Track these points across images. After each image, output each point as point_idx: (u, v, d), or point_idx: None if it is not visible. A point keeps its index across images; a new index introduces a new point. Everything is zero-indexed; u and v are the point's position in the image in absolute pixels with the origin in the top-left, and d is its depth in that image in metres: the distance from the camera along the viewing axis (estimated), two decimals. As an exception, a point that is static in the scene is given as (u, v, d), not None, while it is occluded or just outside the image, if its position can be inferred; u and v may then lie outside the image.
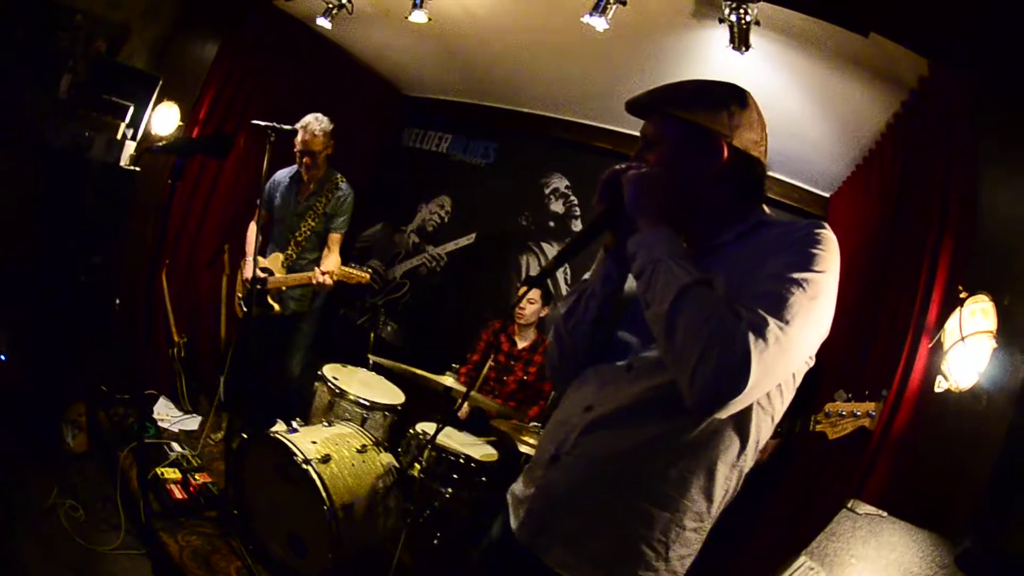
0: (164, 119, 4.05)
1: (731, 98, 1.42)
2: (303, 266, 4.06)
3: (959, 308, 1.87)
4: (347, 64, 5.35)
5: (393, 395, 3.96)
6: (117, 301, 3.70)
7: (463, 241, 5.54)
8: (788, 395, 1.37)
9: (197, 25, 4.35)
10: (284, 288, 4.02)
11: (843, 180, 3.87)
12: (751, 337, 1.12)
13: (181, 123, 4.15)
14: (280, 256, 4.07)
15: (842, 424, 2.38)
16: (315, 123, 3.93)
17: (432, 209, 5.79)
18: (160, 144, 3.63)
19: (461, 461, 3.36)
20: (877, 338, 2.61)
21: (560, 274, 4.97)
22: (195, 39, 4.37)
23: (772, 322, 1.14)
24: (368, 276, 3.82)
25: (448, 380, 3.22)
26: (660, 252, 1.28)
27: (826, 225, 1.31)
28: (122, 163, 3.70)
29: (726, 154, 1.38)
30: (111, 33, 3.91)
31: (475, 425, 4.04)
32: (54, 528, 2.80)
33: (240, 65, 4.57)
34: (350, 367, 4.13)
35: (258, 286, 3.71)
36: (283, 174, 4.22)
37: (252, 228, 4.16)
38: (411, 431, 3.59)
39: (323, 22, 4.01)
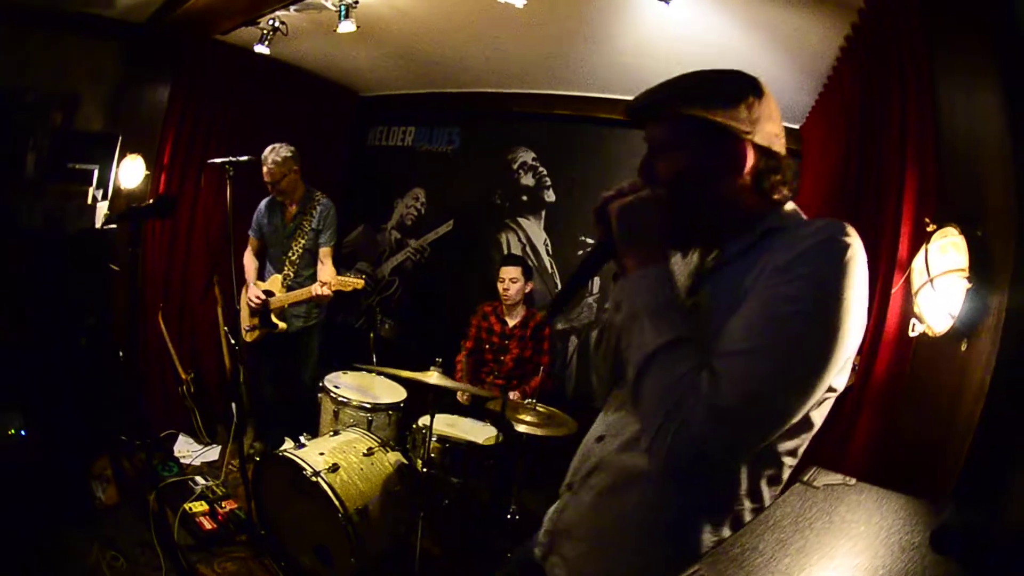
0: (130, 173, 4.17)
1: (747, 87, 1.24)
2: (301, 283, 4.29)
3: (925, 245, 1.68)
4: (299, 78, 5.41)
5: (395, 393, 4.08)
6: (120, 353, 3.84)
7: (442, 229, 5.65)
8: (805, 433, 1.22)
9: (144, 75, 4.45)
10: (287, 306, 4.26)
11: (810, 109, 3.80)
12: (707, 418, 1.04)
13: (148, 171, 4.27)
14: (279, 277, 4.30)
15: None
16: (271, 155, 4.10)
17: (408, 203, 5.89)
18: (114, 216, 3.80)
19: (466, 449, 3.52)
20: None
21: (541, 246, 5.10)
22: (144, 88, 4.47)
23: (737, 393, 1.05)
24: (363, 282, 4.00)
25: (433, 376, 3.31)
26: (640, 304, 1.18)
27: (847, 229, 1.11)
28: (97, 225, 3.85)
29: (751, 156, 1.22)
30: (63, 103, 4.03)
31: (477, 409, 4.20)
32: (101, 582, 2.98)
33: (194, 103, 4.66)
34: (350, 373, 4.29)
35: (259, 306, 4.17)
36: (266, 202, 4.43)
37: (248, 255, 4.46)
38: (414, 426, 3.74)
39: (261, 49, 4.08)
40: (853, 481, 1.28)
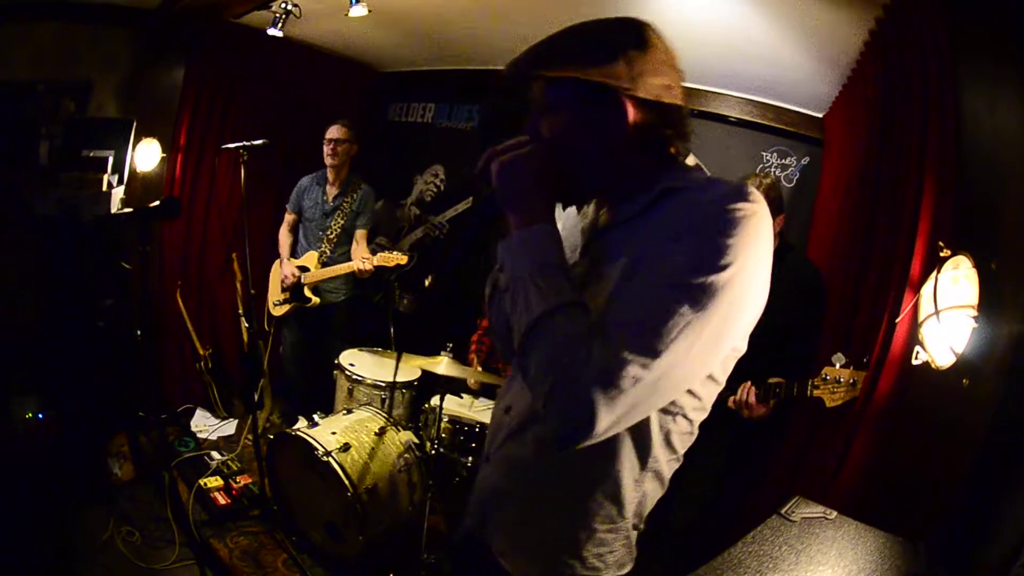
0: (146, 156, 4.22)
1: (625, 41, 1.15)
2: (336, 260, 4.46)
3: (936, 273, 1.59)
4: (317, 57, 5.37)
5: (409, 371, 4.08)
6: (139, 332, 3.92)
7: (461, 207, 5.61)
8: (711, 388, 1.24)
9: (157, 59, 4.47)
10: (321, 281, 4.45)
11: (833, 99, 3.66)
12: (597, 388, 0.99)
13: (164, 154, 4.33)
14: (315, 254, 4.48)
15: (840, 391, 2.28)
16: (340, 120, 4.42)
17: (427, 179, 5.86)
18: (121, 213, 3.88)
19: (476, 430, 3.56)
20: (865, 291, 2.39)
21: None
22: (158, 72, 4.49)
23: (632, 362, 0.99)
24: (407, 258, 4.12)
25: (441, 362, 3.34)
26: (523, 266, 1.13)
27: (748, 193, 1.06)
28: (113, 211, 3.92)
29: (632, 113, 1.15)
30: (75, 91, 4.08)
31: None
32: (115, 556, 3.07)
33: (209, 85, 4.68)
34: (366, 350, 4.33)
35: (294, 281, 4.42)
36: (308, 179, 4.60)
37: (283, 231, 4.67)
38: (426, 405, 3.78)
39: (274, 32, 4.06)
40: (833, 514, 1.30)
